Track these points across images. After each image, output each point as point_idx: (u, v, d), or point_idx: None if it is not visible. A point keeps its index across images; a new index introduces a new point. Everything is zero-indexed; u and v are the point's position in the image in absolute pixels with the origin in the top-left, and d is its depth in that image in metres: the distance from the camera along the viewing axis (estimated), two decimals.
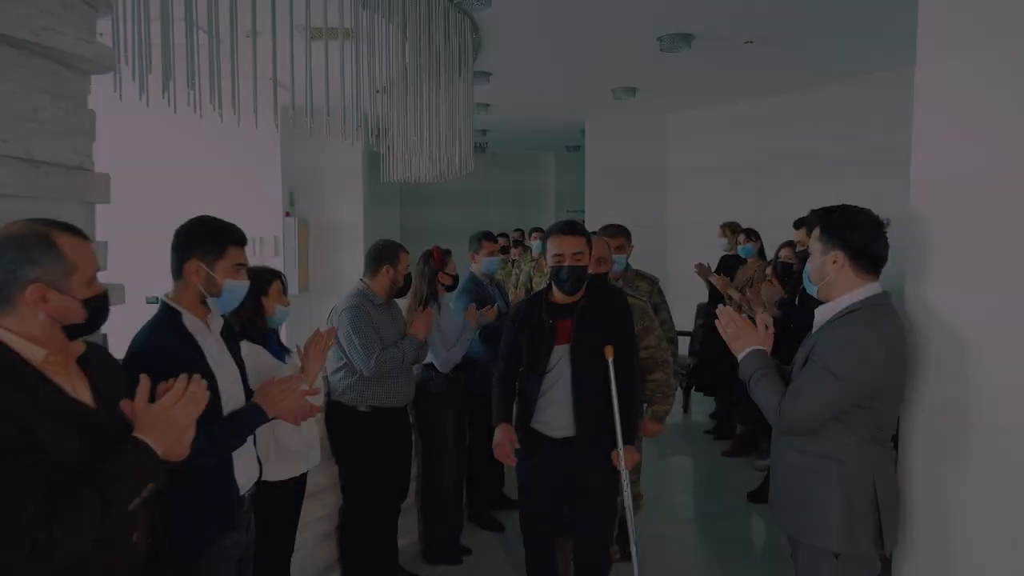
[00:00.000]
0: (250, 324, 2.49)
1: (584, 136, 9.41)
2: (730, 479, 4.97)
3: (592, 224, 7.92)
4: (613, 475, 2.74)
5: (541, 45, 5.59)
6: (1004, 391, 1.75)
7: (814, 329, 2.13)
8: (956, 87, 1.93)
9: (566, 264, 2.66)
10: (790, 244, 4.80)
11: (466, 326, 3.78)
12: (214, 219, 1.99)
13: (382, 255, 3.33)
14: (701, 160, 8.50)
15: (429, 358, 3.63)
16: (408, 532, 3.79)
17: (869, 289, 2.03)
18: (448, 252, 3.83)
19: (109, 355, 1.61)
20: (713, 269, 5.82)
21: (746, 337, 2.16)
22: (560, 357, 2.72)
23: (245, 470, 2.11)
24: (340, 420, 3.26)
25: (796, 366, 2.11)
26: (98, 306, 1.47)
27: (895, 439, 2.12)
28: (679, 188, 8.79)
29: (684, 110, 8.49)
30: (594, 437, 2.72)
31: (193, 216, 1.98)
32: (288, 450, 2.59)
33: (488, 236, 4.25)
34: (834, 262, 2.05)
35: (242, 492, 2.08)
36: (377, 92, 4.77)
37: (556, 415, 2.74)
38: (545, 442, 2.78)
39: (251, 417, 1.96)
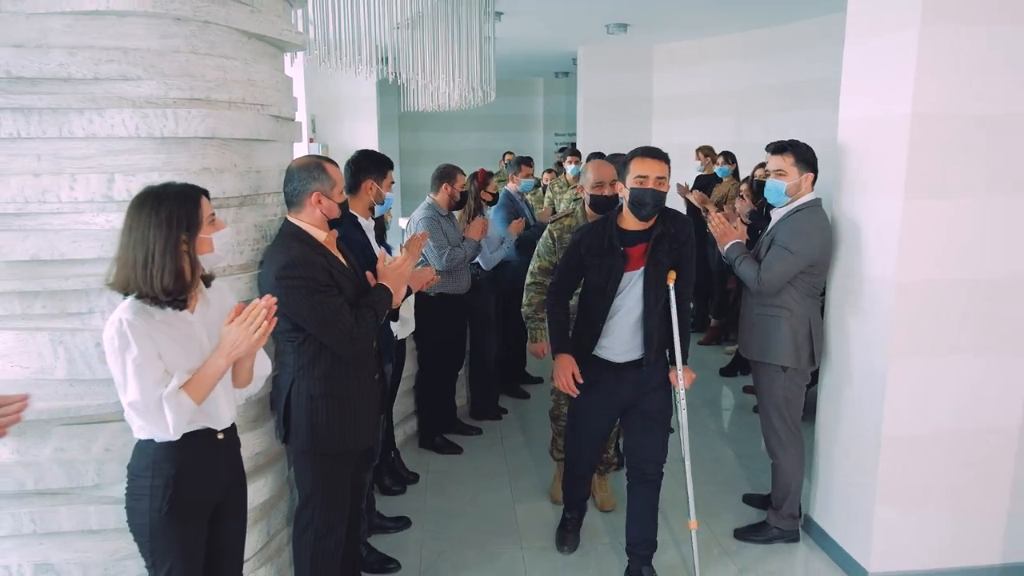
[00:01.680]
0: (379, 229, 3.46)
1: (575, 64, 10.14)
2: (706, 361, 6.13)
3: (586, 149, 8.81)
4: (669, 397, 2.85)
5: None
6: (878, 254, 2.81)
7: (771, 224, 3.17)
8: (868, 64, 2.91)
9: (649, 187, 2.60)
10: (763, 165, 5.78)
11: (507, 235, 4.77)
12: (375, 151, 2.94)
13: (443, 176, 4.26)
14: (683, 89, 9.37)
15: (475, 258, 4.63)
16: (459, 396, 4.88)
17: (811, 195, 3.07)
18: (490, 174, 4.78)
19: (341, 239, 2.58)
20: (690, 188, 6.80)
21: (730, 234, 3.21)
22: (629, 283, 2.70)
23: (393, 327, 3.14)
24: (415, 303, 4.27)
25: (762, 249, 3.16)
26: (345, 209, 2.44)
27: (823, 294, 3.20)
28: (662, 115, 9.67)
29: (668, 42, 9.30)
30: (658, 361, 2.80)
31: (359, 149, 2.94)
32: (401, 316, 3.61)
33: (527, 161, 5.20)
34: (806, 179, 3.07)
35: None
36: (397, 28, 5.61)
37: (621, 340, 2.74)
38: (606, 368, 2.78)
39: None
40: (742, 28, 8.30)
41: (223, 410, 1.98)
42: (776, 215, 3.18)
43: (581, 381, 2.75)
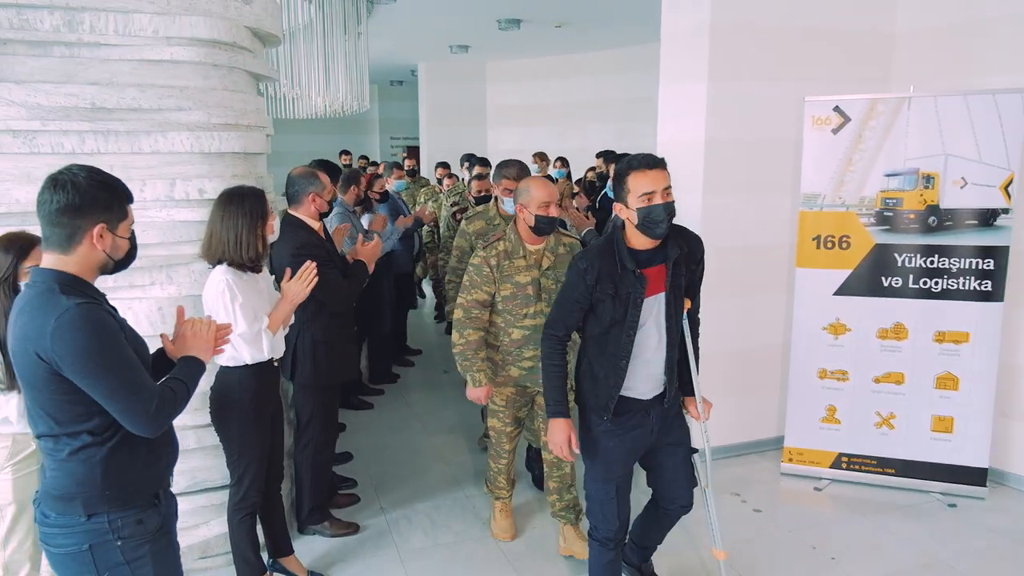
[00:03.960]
0: None
1: (413, 75, 11.11)
2: None
3: (427, 153, 9.73)
4: (685, 421, 2.65)
5: (413, 19, 7.34)
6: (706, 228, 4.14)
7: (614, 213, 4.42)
8: (676, 102, 4.23)
9: (659, 202, 2.29)
10: (593, 168, 7.15)
11: (394, 228, 5.68)
12: (329, 161, 3.79)
13: (350, 180, 5.10)
14: (513, 100, 10.69)
15: None
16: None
17: None
18: (378, 176, 5.68)
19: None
20: None
21: (584, 223, 4.41)
22: (648, 311, 2.39)
23: None
24: None
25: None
26: (331, 206, 3.29)
27: None
28: (495, 123, 10.95)
29: (501, 59, 10.58)
30: (678, 391, 2.58)
31: (315, 159, 3.77)
32: None
33: (398, 165, 6.13)
34: None
35: None
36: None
37: (646, 374, 2.45)
38: (633, 406, 2.48)
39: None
40: (566, 52, 9.76)
41: (278, 344, 2.80)
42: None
43: (577, 450, 2.51)
